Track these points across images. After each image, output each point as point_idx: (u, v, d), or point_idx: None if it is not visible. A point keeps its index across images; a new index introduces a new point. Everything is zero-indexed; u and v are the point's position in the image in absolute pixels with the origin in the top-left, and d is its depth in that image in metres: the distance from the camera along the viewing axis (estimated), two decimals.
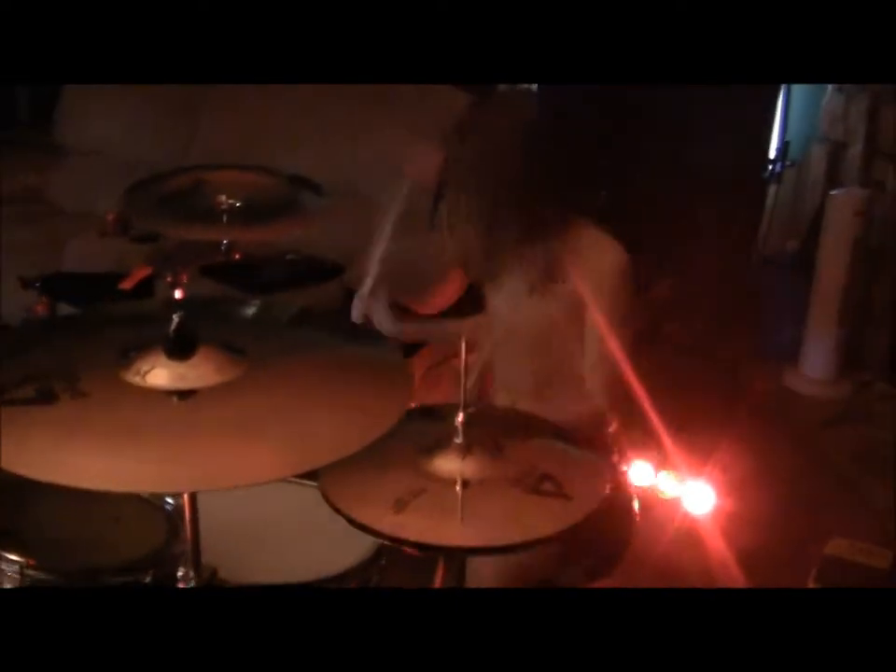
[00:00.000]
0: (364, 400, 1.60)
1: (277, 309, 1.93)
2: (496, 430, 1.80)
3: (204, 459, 1.47)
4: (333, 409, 1.57)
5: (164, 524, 1.99)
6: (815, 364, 4.52)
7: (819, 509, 3.82)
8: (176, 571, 1.80)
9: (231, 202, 2.90)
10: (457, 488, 1.70)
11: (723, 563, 3.10)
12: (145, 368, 1.53)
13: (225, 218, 2.86)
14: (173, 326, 1.50)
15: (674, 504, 3.22)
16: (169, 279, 3.05)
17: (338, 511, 1.64)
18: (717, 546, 3.13)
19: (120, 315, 1.87)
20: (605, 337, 2.39)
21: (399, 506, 1.60)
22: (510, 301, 2.57)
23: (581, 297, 2.39)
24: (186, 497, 1.64)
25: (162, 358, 1.53)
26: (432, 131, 4.21)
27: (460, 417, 1.74)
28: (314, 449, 1.51)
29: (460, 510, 1.68)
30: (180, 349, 1.51)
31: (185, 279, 3.08)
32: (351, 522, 1.63)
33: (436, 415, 1.81)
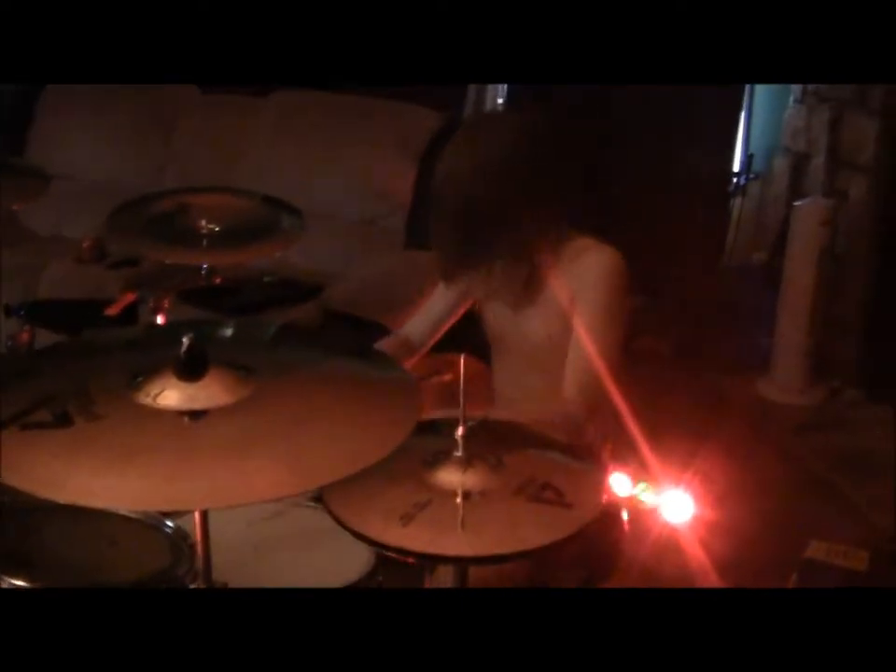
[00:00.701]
0: (372, 419, 1.63)
1: (256, 328, 1.97)
2: (496, 442, 1.84)
3: (214, 477, 1.49)
4: (342, 428, 1.60)
5: (167, 545, 2.00)
6: (786, 372, 4.59)
7: (796, 514, 3.86)
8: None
9: (211, 226, 2.93)
10: (458, 500, 1.73)
11: (704, 570, 3.14)
12: (155, 390, 1.56)
13: (205, 242, 2.89)
14: (183, 348, 1.52)
15: (653, 514, 3.26)
16: (151, 304, 3.07)
17: (344, 525, 1.66)
18: (697, 554, 3.17)
19: (124, 339, 1.88)
20: (590, 343, 2.44)
21: (406, 519, 1.63)
22: (500, 317, 2.62)
23: (568, 307, 2.44)
24: (197, 515, 1.66)
25: (173, 380, 1.56)
26: (405, 149, 4.30)
27: (460, 430, 1.77)
28: (321, 467, 1.54)
29: (461, 521, 1.71)
30: (191, 370, 1.53)
31: (167, 304, 3.11)
32: (357, 536, 1.66)
33: (436, 429, 1.85)
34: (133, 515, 2.01)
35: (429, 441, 1.81)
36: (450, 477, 1.74)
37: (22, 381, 1.64)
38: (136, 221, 2.97)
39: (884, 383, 4.31)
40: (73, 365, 1.71)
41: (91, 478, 1.46)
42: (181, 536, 2.00)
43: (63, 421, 1.51)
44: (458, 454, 1.77)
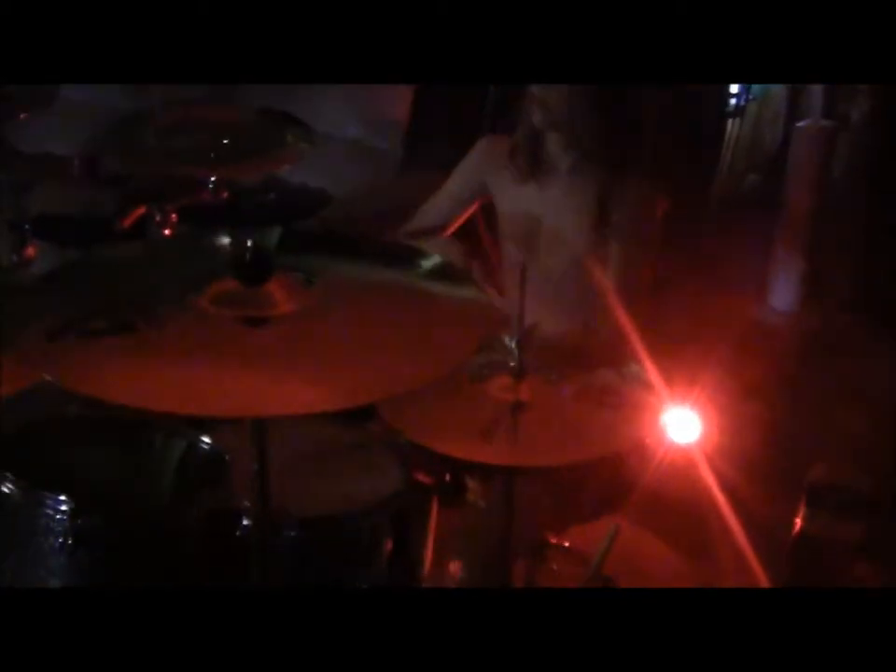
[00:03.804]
0: (437, 332, 1.58)
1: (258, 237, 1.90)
2: (547, 353, 1.80)
3: (272, 386, 1.45)
4: (404, 343, 1.55)
5: (212, 460, 1.95)
6: (782, 297, 4.57)
7: (797, 438, 3.88)
8: (231, 507, 1.77)
9: (218, 139, 2.87)
10: (511, 411, 1.70)
11: (710, 491, 3.14)
12: (217, 295, 1.51)
13: (213, 155, 2.81)
14: (248, 252, 1.46)
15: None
16: (158, 219, 2.99)
17: (414, 442, 1.61)
18: (704, 475, 3.16)
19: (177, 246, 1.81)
20: (623, 271, 2.42)
21: (487, 435, 1.60)
22: (524, 224, 2.58)
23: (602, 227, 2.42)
24: (252, 426, 1.61)
25: (235, 285, 1.50)
26: None
27: (514, 341, 1.73)
28: (380, 382, 1.49)
29: (516, 432, 1.68)
30: (255, 275, 1.47)
31: (174, 218, 3.03)
32: (431, 453, 1.61)
33: (485, 343, 1.80)
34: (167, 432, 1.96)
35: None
36: (505, 389, 1.70)
37: (70, 292, 1.59)
38: (140, 136, 2.89)
39: (882, 306, 4.31)
40: (127, 273, 1.65)
41: (153, 383, 1.42)
42: (216, 453, 1.96)
43: (124, 328, 1.46)
44: (513, 364, 1.73)
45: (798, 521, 3.04)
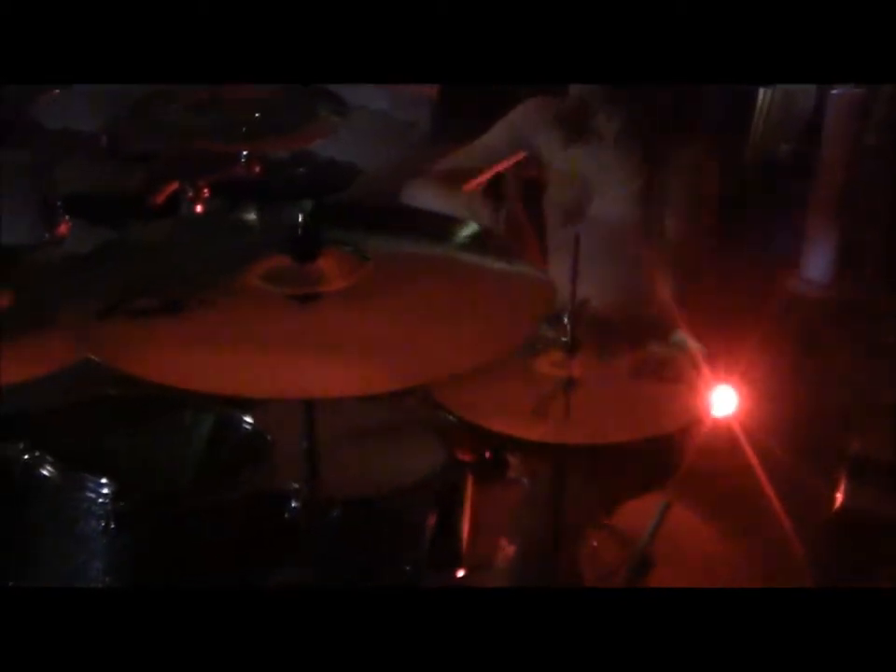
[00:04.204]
0: (494, 313, 1.52)
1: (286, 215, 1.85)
2: (599, 327, 1.75)
3: (324, 367, 1.41)
4: (460, 321, 1.50)
5: (254, 440, 1.92)
6: (815, 266, 4.50)
7: (831, 408, 3.82)
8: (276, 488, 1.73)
9: (249, 113, 2.84)
10: (563, 387, 1.65)
11: (749, 465, 3.09)
12: (267, 272, 1.46)
13: (244, 130, 2.81)
14: (299, 226, 1.41)
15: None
16: (190, 194, 2.96)
17: (458, 418, 1.57)
18: (742, 448, 3.12)
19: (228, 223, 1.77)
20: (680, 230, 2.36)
21: (540, 412, 1.54)
22: (567, 187, 2.51)
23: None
24: (301, 406, 1.57)
25: (285, 261, 1.46)
26: None
27: (566, 316, 1.67)
28: (436, 362, 1.44)
29: (568, 409, 1.63)
30: (305, 251, 1.43)
31: (206, 193, 3.00)
32: (472, 430, 1.57)
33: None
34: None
35: None
36: (557, 364, 1.65)
37: (114, 270, 1.55)
38: (169, 112, 2.86)
39: None
40: (168, 252, 1.60)
41: (200, 364, 1.38)
42: (258, 434, 1.92)
43: (173, 307, 1.42)
44: (565, 339, 1.68)
45: (839, 496, 3.00)
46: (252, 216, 1.69)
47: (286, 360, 1.40)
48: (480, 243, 1.70)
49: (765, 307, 4.41)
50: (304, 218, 1.42)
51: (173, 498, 1.80)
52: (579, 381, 1.65)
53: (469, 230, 1.73)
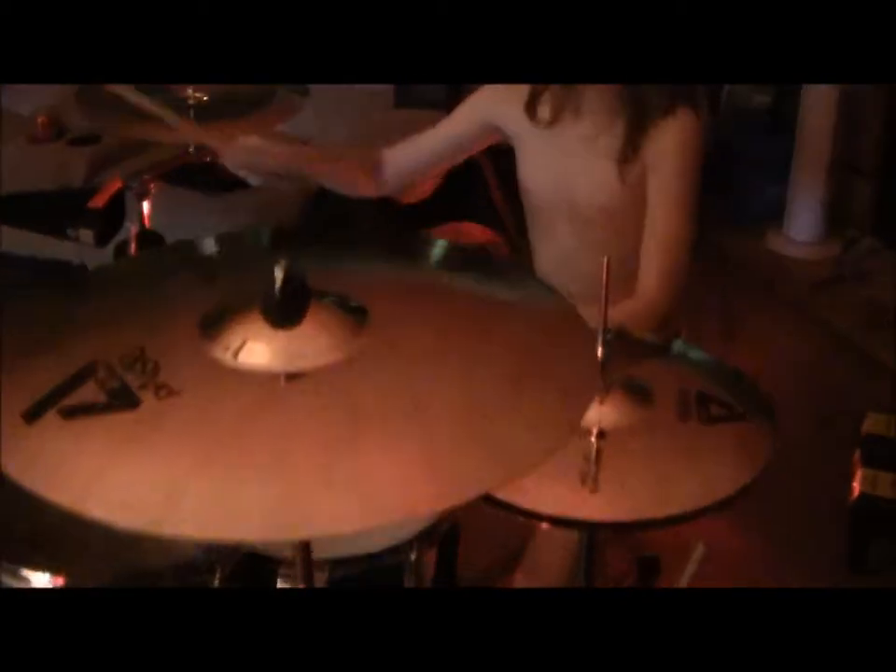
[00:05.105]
0: (542, 391, 1.11)
1: (247, 236, 1.53)
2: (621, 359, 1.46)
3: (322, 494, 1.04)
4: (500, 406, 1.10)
5: None
6: (800, 225, 4.32)
7: (825, 375, 3.66)
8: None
9: (198, 94, 2.59)
10: (594, 441, 1.36)
11: None
12: (236, 342, 1.10)
13: (192, 114, 2.55)
14: (279, 279, 1.06)
15: None
16: (136, 189, 2.69)
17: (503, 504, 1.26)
18: None
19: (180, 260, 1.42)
20: (671, 220, 2.14)
21: (588, 482, 1.27)
22: (543, 176, 2.28)
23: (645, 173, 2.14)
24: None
25: (261, 327, 1.09)
26: None
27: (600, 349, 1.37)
28: (472, 474, 1.06)
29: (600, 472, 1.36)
30: (288, 313, 1.07)
31: (152, 188, 2.72)
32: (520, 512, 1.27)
33: None
34: None
35: None
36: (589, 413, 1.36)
37: (45, 331, 1.18)
38: (110, 92, 2.58)
39: None
40: (116, 305, 1.22)
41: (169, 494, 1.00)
42: None
43: (125, 400, 1.03)
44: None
45: (856, 485, 2.81)
46: (211, 246, 1.37)
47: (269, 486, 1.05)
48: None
49: (749, 270, 4.22)
50: (286, 266, 1.11)
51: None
52: (618, 429, 1.35)
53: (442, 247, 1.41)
